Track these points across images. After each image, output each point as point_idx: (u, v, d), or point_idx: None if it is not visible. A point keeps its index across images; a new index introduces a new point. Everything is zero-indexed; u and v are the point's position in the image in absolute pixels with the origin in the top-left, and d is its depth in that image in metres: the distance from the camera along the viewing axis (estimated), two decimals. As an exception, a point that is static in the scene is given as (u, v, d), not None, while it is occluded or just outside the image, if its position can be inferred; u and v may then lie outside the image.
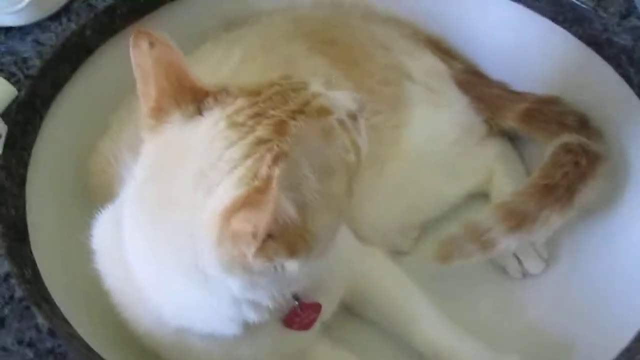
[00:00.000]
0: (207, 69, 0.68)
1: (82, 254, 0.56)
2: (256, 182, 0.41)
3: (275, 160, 0.42)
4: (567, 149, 0.68)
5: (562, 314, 0.68)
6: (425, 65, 0.78)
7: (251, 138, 0.44)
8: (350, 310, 0.68)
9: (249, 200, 0.40)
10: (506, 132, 0.78)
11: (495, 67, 0.78)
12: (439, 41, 0.81)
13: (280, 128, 0.44)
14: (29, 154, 0.65)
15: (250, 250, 0.40)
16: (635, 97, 0.63)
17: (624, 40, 0.62)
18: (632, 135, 0.67)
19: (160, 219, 0.45)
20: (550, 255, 0.72)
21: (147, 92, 0.47)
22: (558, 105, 0.73)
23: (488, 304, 0.72)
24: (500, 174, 0.78)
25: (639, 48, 0.61)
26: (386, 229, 0.72)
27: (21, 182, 0.63)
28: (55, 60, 0.69)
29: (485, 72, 0.79)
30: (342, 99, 0.50)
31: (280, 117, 0.45)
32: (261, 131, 0.44)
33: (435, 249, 0.67)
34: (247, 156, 0.43)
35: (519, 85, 0.76)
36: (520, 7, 0.71)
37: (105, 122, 0.71)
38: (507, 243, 0.66)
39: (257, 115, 0.45)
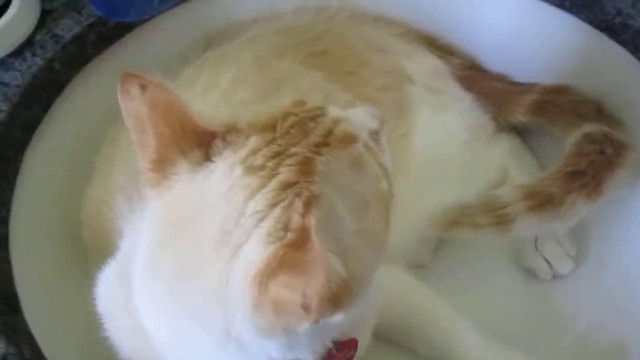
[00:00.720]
0: (195, 95, 0.62)
1: (84, 317, 0.50)
2: (289, 236, 0.36)
3: (307, 206, 0.37)
4: (590, 138, 0.65)
5: (601, 314, 0.64)
6: (423, 66, 0.73)
7: (275, 183, 0.38)
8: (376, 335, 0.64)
9: (287, 261, 0.35)
10: (514, 126, 0.74)
11: (497, 60, 0.74)
12: (433, 38, 0.77)
13: (305, 167, 0.39)
14: (8, 211, 0.59)
15: (301, 324, 0.35)
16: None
17: (641, 22, 0.59)
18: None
19: (181, 290, 0.39)
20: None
21: (144, 142, 0.41)
22: (569, 95, 0.69)
23: (519, 312, 0.68)
24: (514, 170, 0.74)
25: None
26: (405, 243, 0.67)
27: (3, 244, 0.57)
28: (23, 102, 0.62)
29: (486, 66, 0.75)
30: (362, 117, 0.45)
31: (304, 154, 0.39)
32: (285, 173, 0.38)
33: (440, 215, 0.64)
34: (273, 205, 0.37)
35: (525, 77, 0.72)
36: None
37: (88, 162, 0.65)
38: (527, 224, 0.63)
39: (277, 155, 0.39)
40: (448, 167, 0.70)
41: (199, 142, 0.41)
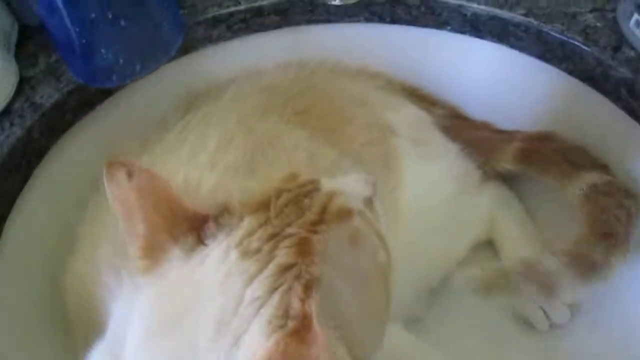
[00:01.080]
0: (180, 162, 0.61)
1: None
2: (290, 324, 0.35)
3: (307, 289, 0.36)
4: (600, 190, 0.65)
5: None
6: (407, 117, 0.73)
7: (272, 267, 0.37)
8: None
9: (290, 354, 0.33)
10: (501, 174, 0.74)
11: (480, 109, 0.74)
12: (415, 88, 0.77)
13: (303, 247, 0.38)
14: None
15: None
16: (640, 128, 0.60)
17: (622, 72, 0.59)
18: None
19: None
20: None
21: (133, 229, 0.40)
22: (554, 141, 0.69)
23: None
24: (503, 218, 0.74)
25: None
26: (399, 298, 0.66)
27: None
28: (2, 174, 0.60)
29: (470, 115, 0.75)
30: (355, 186, 0.45)
31: (300, 234, 0.38)
32: (282, 256, 0.37)
33: (474, 279, 0.63)
34: (272, 290, 0.36)
35: (508, 126, 0.72)
36: (504, 48, 0.67)
37: (70, 232, 0.63)
38: (573, 290, 0.63)
39: (273, 237, 0.38)
40: (436, 219, 0.69)
41: (191, 227, 0.40)
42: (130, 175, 0.39)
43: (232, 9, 0.68)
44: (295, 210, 0.40)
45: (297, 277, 0.36)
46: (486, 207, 0.73)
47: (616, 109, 0.62)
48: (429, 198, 0.69)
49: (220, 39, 0.70)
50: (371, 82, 0.76)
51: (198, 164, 0.61)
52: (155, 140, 0.65)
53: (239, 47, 0.72)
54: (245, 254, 0.37)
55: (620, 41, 0.61)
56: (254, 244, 0.38)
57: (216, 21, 0.69)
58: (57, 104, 0.64)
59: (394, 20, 0.70)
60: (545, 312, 0.67)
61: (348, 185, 0.44)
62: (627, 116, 0.61)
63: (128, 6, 0.57)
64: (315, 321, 0.33)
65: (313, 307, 0.34)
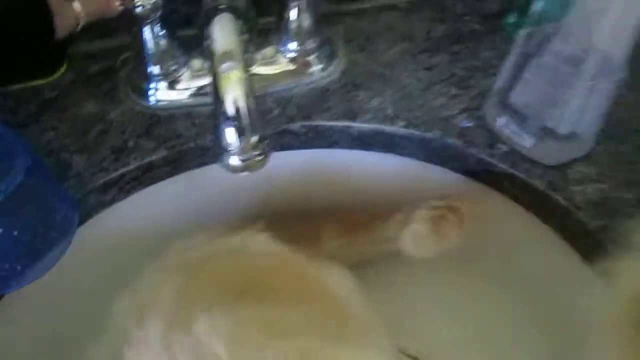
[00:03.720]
0: None
1: None
2: None
3: None
4: None
5: None
6: None
7: None
8: None
9: None
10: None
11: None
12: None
13: None
14: None
15: None
16: (527, 213, 0.67)
17: (501, 168, 0.66)
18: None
19: None
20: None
21: None
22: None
23: None
24: None
25: (518, 171, 0.65)
26: None
27: None
28: None
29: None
30: None
31: None
32: None
33: None
34: None
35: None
36: (392, 156, 0.71)
37: None
38: None
39: None
40: None
41: None
42: None
43: (122, 170, 0.66)
44: None
45: None
46: None
47: (501, 196, 0.68)
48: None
49: (114, 201, 0.68)
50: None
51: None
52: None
53: (133, 203, 0.69)
54: None
55: (492, 138, 0.67)
56: None
57: (107, 186, 0.66)
58: None
59: (284, 148, 0.72)
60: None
61: None
62: (512, 202, 0.68)
63: (15, 216, 0.53)
64: None
65: None
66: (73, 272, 0.66)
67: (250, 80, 0.53)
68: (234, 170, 0.55)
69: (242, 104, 0.51)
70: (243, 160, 0.54)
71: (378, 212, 0.74)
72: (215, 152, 0.55)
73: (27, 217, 0.55)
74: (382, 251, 0.74)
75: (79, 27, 0.59)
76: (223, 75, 0.52)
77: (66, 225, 0.60)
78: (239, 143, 0.53)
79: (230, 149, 0.53)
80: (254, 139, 0.53)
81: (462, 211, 0.70)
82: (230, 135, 0.52)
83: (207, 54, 0.57)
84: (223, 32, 0.55)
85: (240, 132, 0.52)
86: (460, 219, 0.70)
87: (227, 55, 0.52)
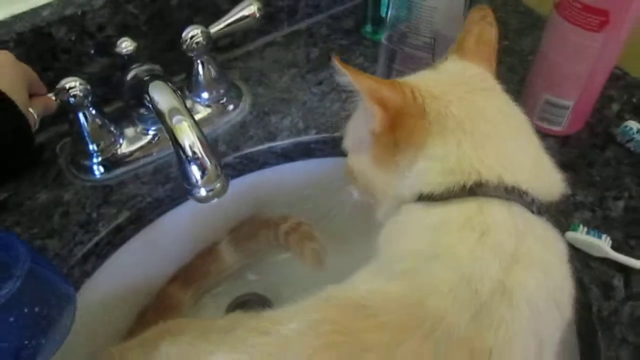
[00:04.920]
0: None
1: None
2: None
3: None
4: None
5: None
6: None
7: None
8: None
9: None
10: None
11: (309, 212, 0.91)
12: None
13: None
14: None
15: None
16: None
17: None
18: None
19: None
20: None
21: None
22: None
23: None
24: None
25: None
26: None
27: None
28: None
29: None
30: None
31: None
32: None
33: None
34: None
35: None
36: (313, 161, 0.86)
37: None
38: None
39: None
40: None
41: None
42: None
43: (95, 239, 0.74)
44: None
45: None
46: None
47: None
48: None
49: (94, 269, 0.76)
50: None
51: None
52: None
53: (110, 266, 0.78)
54: None
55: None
56: None
57: (86, 256, 0.74)
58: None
59: (225, 180, 0.84)
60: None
61: None
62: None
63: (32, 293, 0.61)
64: None
65: None
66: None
67: (197, 124, 0.65)
68: (205, 200, 0.66)
69: (198, 146, 0.63)
70: (209, 190, 0.66)
71: (265, 221, 0.89)
72: (185, 189, 0.66)
73: (40, 293, 0.62)
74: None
75: (35, 129, 0.67)
76: (176, 127, 0.63)
77: (69, 294, 0.68)
78: (203, 177, 0.64)
79: (198, 184, 0.64)
80: (215, 171, 0.65)
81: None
82: (195, 172, 0.64)
83: (143, 119, 0.67)
84: (163, 94, 0.66)
85: (202, 168, 0.64)
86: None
87: (175, 111, 0.64)
